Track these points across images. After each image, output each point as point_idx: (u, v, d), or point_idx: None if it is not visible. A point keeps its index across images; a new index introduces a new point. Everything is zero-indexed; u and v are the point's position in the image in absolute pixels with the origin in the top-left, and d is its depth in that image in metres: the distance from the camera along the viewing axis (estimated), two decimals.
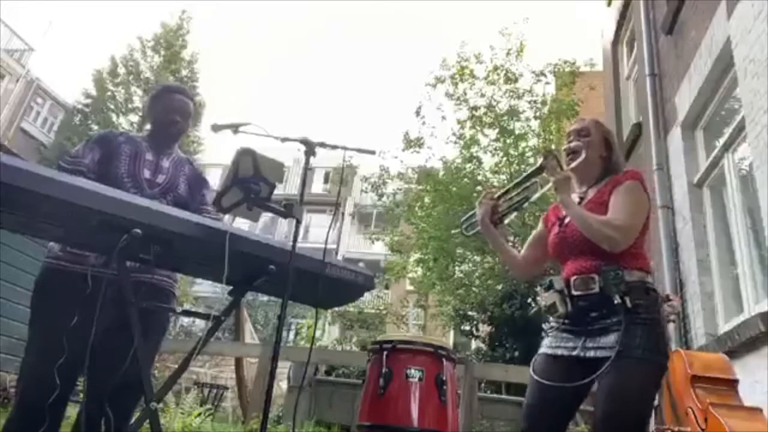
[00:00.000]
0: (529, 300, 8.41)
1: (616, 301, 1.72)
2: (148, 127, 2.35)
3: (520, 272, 2.17)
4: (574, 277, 1.82)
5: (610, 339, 1.71)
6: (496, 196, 2.10)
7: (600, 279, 1.77)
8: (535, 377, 1.83)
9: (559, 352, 1.82)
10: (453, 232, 9.14)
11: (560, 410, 1.83)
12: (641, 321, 1.72)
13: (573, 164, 1.95)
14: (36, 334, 1.96)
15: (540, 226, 2.14)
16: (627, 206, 1.82)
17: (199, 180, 2.33)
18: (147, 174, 2.16)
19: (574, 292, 1.81)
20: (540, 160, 1.99)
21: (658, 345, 1.72)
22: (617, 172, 1.95)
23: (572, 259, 1.88)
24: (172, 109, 2.26)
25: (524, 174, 2.15)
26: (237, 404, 6.62)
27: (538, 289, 1.95)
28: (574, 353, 1.78)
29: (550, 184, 1.94)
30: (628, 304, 1.72)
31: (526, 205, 2.16)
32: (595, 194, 1.93)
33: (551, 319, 1.93)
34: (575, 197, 1.96)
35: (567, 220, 1.92)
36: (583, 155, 1.94)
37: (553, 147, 9.58)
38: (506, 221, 2.14)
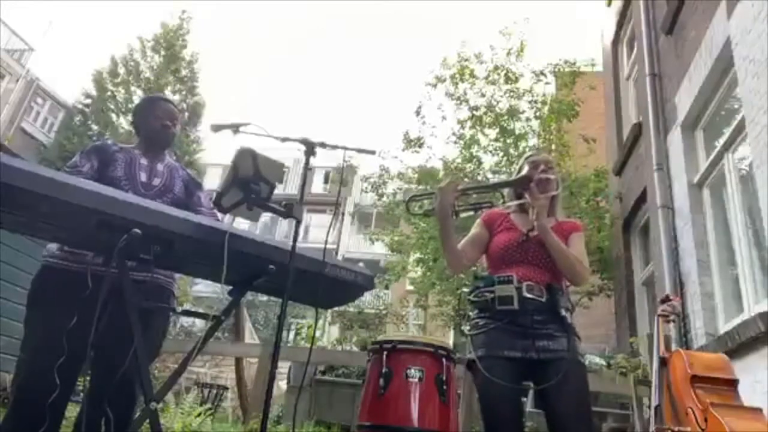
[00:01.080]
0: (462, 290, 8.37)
1: (562, 314, 2.00)
2: (136, 138, 2.38)
3: (457, 266, 2.24)
4: (527, 282, 2.02)
5: (559, 344, 1.96)
6: (460, 188, 2.17)
7: (546, 291, 2.00)
8: (497, 382, 1.93)
9: (513, 354, 1.98)
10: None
11: (520, 411, 2.07)
12: (575, 333, 2.03)
13: (553, 193, 2.15)
14: (32, 332, 1.96)
15: (479, 228, 2.24)
16: (585, 253, 2.15)
17: (194, 182, 2.37)
18: (143, 177, 2.19)
19: (526, 294, 2.00)
20: (523, 172, 2.14)
21: (582, 353, 2.07)
22: (555, 208, 2.23)
23: (525, 266, 2.07)
24: (164, 116, 2.32)
25: (501, 181, 2.25)
26: (237, 404, 6.62)
27: (478, 282, 2.12)
28: (528, 355, 1.97)
29: (514, 203, 2.19)
30: (569, 320, 2.01)
31: (482, 210, 2.26)
32: (554, 227, 2.13)
33: (482, 315, 2.07)
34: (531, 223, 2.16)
35: (532, 234, 2.10)
36: (560, 189, 2.21)
37: (553, 147, 9.59)
38: (461, 216, 2.21)
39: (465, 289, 10.30)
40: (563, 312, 2.00)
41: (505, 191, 2.27)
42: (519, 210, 2.23)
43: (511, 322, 1.99)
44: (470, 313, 2.15)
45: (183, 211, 1.80)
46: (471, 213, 2.29)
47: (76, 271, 1.94)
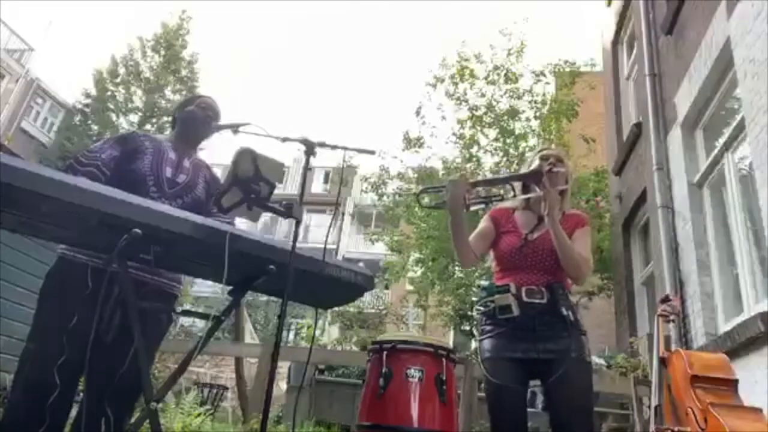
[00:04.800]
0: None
1: (564, 313, 2.01)
2: (170, 131, 2.38)
3: (468, 260, 2.23)
4: (525, 287, 2.07)
5: (562, 344, 1.98)
6: (471, 181, 2.19)
7: (547, 292, 2.05)
8: (499, 382, 2.02)
9: (515, 355, 2.04)
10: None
11: (523, 409, 2.08)
12: (580, 332, 2.06)
13: (561, 187, 2.14)
14: (43, 324, 1.93)
15: (486, 223, 2.27)
16: (589, 250, 2.17)
17: (216, 184, 2.31)
18: (168, 173, 2.16)
19: (525, 299, 2.05)
20: (533, 165, 2.16)
21: (589, 350, 2.08)
22: (563, 201, 2.21)
23: (525, 271, 2.11)
24: (207, 106, 2.31)
25: (512, 175, 2.26)
26: (237, 404, 6.61)
27: (482, 292, 2.18)
28: (528, 355, 2.02)
29: (524, 196, 2.19)
30: (572, 317, 2.03)
31: (493, 203, 2.27)
32: (560, 219, 2.12)
33: (488, 322, 2.13)
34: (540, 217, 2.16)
35: (531, 237, 2.14)
36: (570, 183, 2.22)
37: (553, 146, 9.58)
38: (471, 209, 2.21)
39: (464, 290, 10.34)
40: (564, 311, 2.02)
41: (516, 185, 2.28)
42: (525, 206, 2.24)
43: (514, 328, 2.05)
44: (479, 319, 2.21)
45: (183, 211, 1.80)
46: (482, 207, 2.32)
47: (91, 266, 1.91)
